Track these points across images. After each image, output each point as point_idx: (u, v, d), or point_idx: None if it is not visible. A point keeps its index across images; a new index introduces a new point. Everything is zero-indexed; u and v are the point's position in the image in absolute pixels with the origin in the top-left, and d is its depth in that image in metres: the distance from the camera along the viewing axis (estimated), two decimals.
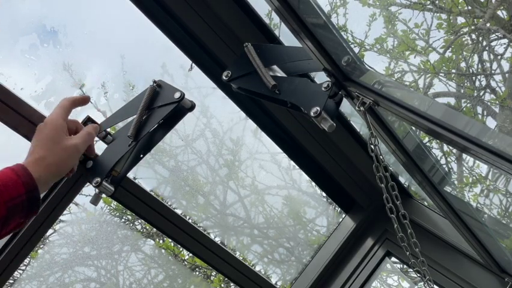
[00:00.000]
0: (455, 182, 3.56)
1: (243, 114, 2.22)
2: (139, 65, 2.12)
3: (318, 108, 1.46)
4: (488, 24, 3.49)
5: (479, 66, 3.65)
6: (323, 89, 1.50)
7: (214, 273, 2.79)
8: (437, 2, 3.56)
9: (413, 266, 1.83)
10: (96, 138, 1.61)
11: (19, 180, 1.15)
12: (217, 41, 1.78)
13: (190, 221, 2.07)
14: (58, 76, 1.86)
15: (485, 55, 3.65)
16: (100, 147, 1.64)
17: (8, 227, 1.15)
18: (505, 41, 3.55)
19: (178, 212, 2.05)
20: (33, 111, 1.57)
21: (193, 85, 2.13)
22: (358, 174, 2.29)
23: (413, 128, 1.74)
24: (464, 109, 3.61)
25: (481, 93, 3.67)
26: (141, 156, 1.55)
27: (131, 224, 2.62)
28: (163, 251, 2.69)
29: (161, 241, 2.66)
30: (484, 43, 3.60)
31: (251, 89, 1.63)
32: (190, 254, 2.60)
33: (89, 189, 1.76)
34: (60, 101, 1.40)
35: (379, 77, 1.65)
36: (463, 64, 3.67)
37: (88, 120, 1.59)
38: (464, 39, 3.63)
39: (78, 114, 1.81)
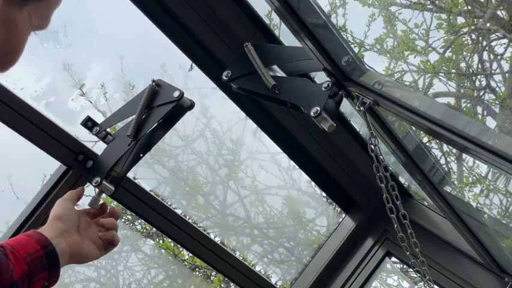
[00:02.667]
0: (455, 182, 3.56)
1: (243, 114, 2.22)
2: (139, 65, 2.12)
3: (318, 108, 1.46)
4: (488, 24, 3.49)
5: (479, 66, 3.65)
6: (323, 89, 1.50)
7: (214, 273, 2.79)
8: (437, 2, 3.56)
9: (413, 266, 1.83)
10: (96, 138, 1.61)
11: (31, 239, 1.22)
12: (217, 41, 1.78)
13: (190, 221, 2.07)
14: (58, 76, 1.86)
15: (485, 55, 3.65)
16: (100, 147, 1.64)
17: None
18: (505, 41, 3.55)
19: (178, 212, 2.05)
20: (33, 111, 1.57)
21: (193, 85, 2.13)
22: (358, 174, 2.29)
23: (413, 128, 1.73)
24: (464, 109, 3.61)
25: (481, 93, 3.67)
26: (141, 155, 1.55)
27: (131, 224, 2.62)
28: (163, 251, 2.69)
29: (161, 241, 2.66)
30: (484, 43, 3.60)
31: (251, 89, 1.63)
32: (190, 254, 2.60)
33: (89, 190, 1.76)
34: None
35: (379, 77, 1.65)
36: (463, 64, 3.67)
37: (88, 120, 1.59)
38: (464, 39, 3.63)
39: (78, 114, 1.81)
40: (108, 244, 1.41)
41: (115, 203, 1.95)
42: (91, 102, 1.97)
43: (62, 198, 1.40)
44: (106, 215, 1.45)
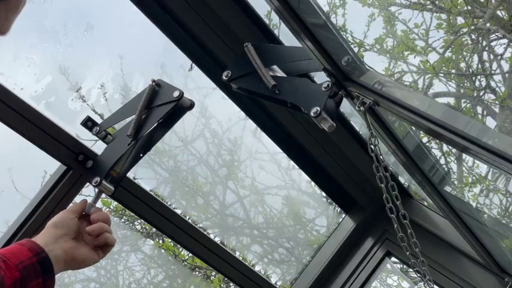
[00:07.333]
0: (455, 182, 3.56)
1: (242, 114, 2.22)
2: (138, 65, 2.11)
3: (318, 108, 1.46)
4: (488, 24, 3.49)
5: (479, 66, 3.65)
6: (323, 89, 1.50)
7: (214, 273, 2.79)
8: (437, 2, 3.56)
9: (413, 266, 1.83)
10: (96, 138, 1.61)
11: (23, 247, 1.22)
12: (217, 41, 1.78)
13: (189, 221, 2.07)
14: (58, 76, 1.86)
15: (485, 55, 3.65)
16: (100, 146, 1.64)
17: None
18: (505, 41, 3.55)
19: (178, 212, 2.05)
20: (33, 111, 1.57)
21: (193, 85, 2.13)
22: (358, 174, 2.29)
23: (413, 128, 1.74)
24: (464, 109, 3.61)
25: (481, 93, 3.67)
26: (141, 155, 1.55)
27: (131, 224, 2.62)
28: (162, 251, 2.69)
29: (161, 241, 2.66)
30: (484, 43, 3.60)
31: (251, 89, 1.63)
32: (190, 254, 2.59)
33: (89, 190, 1.76)
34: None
35: (379, 77, 1.65)
36: (462, 64, 3.67)
37: (88, 120, 1.59)
38: (464, 39, 3.63)
39: (78, 114, 1.81)
40: (104, 247, 1.41)
41: (115, 203, 1.95)
42: (87, 104, 1.97)
43: (64, 210, 1.41)
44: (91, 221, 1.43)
